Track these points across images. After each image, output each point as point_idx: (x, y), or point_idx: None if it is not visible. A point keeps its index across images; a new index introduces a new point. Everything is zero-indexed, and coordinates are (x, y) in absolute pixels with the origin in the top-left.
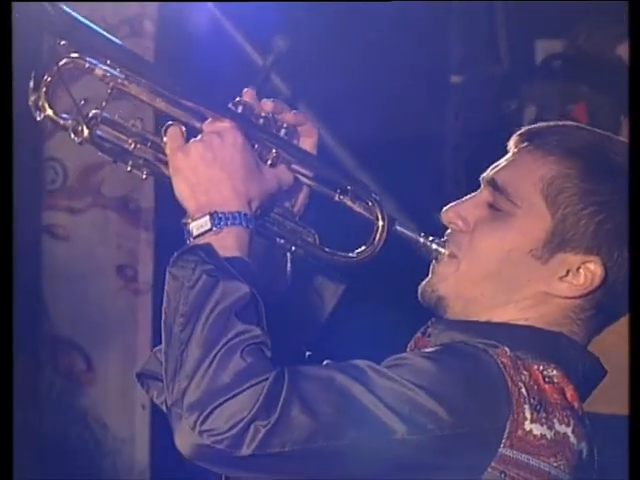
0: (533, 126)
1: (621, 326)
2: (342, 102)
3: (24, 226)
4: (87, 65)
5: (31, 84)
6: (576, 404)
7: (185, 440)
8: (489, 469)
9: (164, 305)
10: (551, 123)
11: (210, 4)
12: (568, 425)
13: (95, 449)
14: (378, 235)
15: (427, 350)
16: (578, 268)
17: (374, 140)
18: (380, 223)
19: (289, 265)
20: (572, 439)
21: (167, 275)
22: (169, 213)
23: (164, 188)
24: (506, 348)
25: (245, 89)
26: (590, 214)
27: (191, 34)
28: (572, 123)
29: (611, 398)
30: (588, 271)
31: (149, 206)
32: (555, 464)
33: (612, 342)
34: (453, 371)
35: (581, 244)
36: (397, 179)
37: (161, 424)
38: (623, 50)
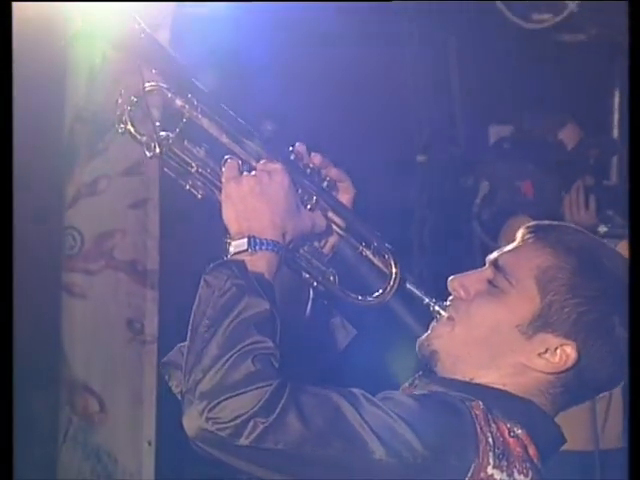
0: (540, 222)
1: None
2: None
3: (46, 286)
4: (169, 95)
5: (119, 100)
6: (536, 460)
7: (192, 423)
8: None
9: (194, 306)
10: (555, 222)
11: (207, 91)
12: (526, 476)
13: None
14: (389, 287)
15: (414, 392)
16: (556, 348)
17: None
18: (394, 277)
19: (310, 300)
20: None
21: (202, 281)
22: (171, 274)
23: (168, 252)
24: (480, 402)
25: (297, 143)
26: (575, 304)
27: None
28: (573, 226)
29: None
30: (564, 353)
31: (154, 268)
32: None
33: None
34: (431, 412)
35: (562, 328)
36: None
37: (165, 459)
38: (564, 134)
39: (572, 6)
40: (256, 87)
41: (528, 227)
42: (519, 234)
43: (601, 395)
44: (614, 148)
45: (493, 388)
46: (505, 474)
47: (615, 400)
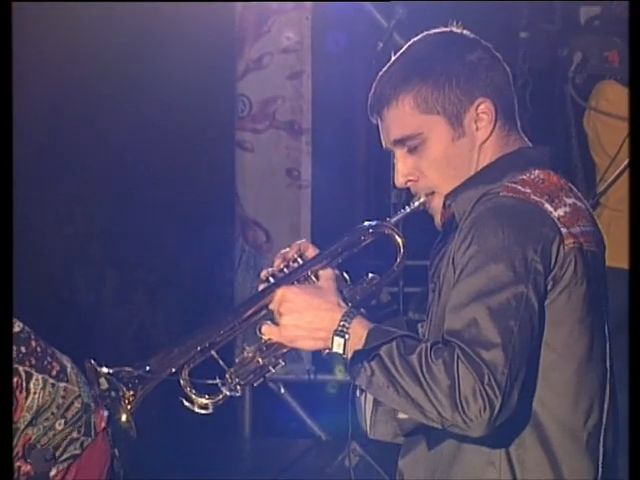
0: (370, 98)
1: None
2: None
3: (223, 142)
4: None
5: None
6: (563, 182)
7: (471, 431)
8: (565, 247)
9: (372, 393)
10: (374, 84)
11: None
12: (571, 197)
13: None
14: (402, 250)
15: (463, 240)
16: (477, 115)
17: None
18: (399, 240)
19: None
20: (579, 204)
21: (357, 383)
22: (322, 131)
23: (319, 113)
24: (504, 182)
25: (276, 258)
26: (449, 92)
27: (337, 7)
28: (384, 68)
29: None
30: (482, 111)
31: (308, 127)
32: (582, 224)
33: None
34: (492, 230)
35: (464, 105)
36: None
37: None
38: None
39: None
40: None
41: (371, 108)
42: (373, 118)
43: None
44: None
45: (491, 164)
46: (563, 206)
47: None
